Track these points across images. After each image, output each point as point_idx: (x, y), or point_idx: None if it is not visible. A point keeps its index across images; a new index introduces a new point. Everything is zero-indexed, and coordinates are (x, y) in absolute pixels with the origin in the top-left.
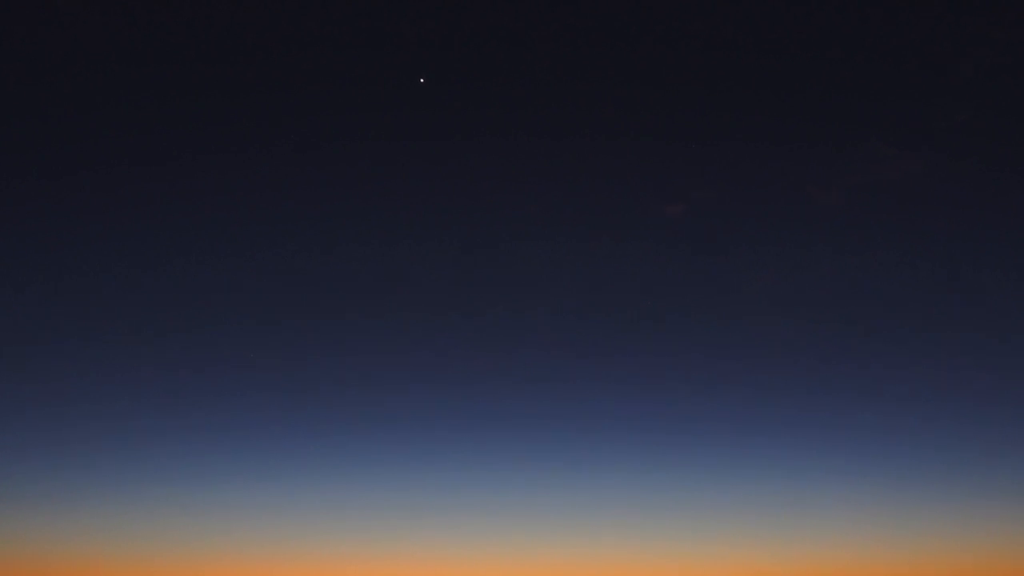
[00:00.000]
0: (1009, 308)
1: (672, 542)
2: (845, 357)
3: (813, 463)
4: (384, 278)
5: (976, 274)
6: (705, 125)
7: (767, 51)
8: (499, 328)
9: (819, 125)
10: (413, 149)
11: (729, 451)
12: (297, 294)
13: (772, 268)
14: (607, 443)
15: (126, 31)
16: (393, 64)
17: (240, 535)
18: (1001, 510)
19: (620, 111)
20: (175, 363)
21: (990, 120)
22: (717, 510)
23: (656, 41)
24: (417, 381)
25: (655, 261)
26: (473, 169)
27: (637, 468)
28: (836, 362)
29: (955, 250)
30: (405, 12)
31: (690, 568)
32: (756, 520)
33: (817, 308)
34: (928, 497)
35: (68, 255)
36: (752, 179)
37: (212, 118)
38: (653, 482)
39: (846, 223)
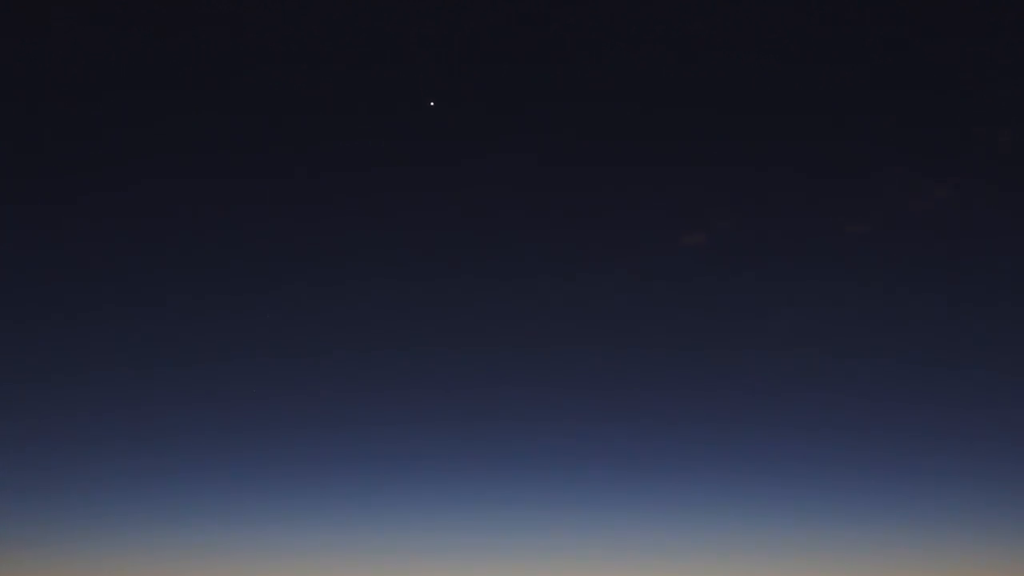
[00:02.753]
0: None
1: None
2: (871, 393)
3: (838, 500)
4: (393, 313)
5: (1013, 308)
6: (726, 151)
7: (791, 75)
8: (511, 364)
9: (846, 151)
10: (422, 176)
11: (749, 487)
12: (301, 329)
13: (795, 301)
14: (621, 480)
15: (142, 58)
16: (402, 87)
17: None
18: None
19: (637, 136)
20: (174, 399)
21: None
22: (738, 544)
23: (677, 65)
24: (427, 419)
25: (673, 293)
26: (484, 197)
27: (652, 504)
28: (861, 397)
29: (990, 283)
30: (416, 34)
31: None
32: (775, 556)
33: (843, 342)
34: (952, 538)
35: (71, 293)
36: (775, 208)
37: (215, 141)
38: (668, 518)
39: (874, 254)
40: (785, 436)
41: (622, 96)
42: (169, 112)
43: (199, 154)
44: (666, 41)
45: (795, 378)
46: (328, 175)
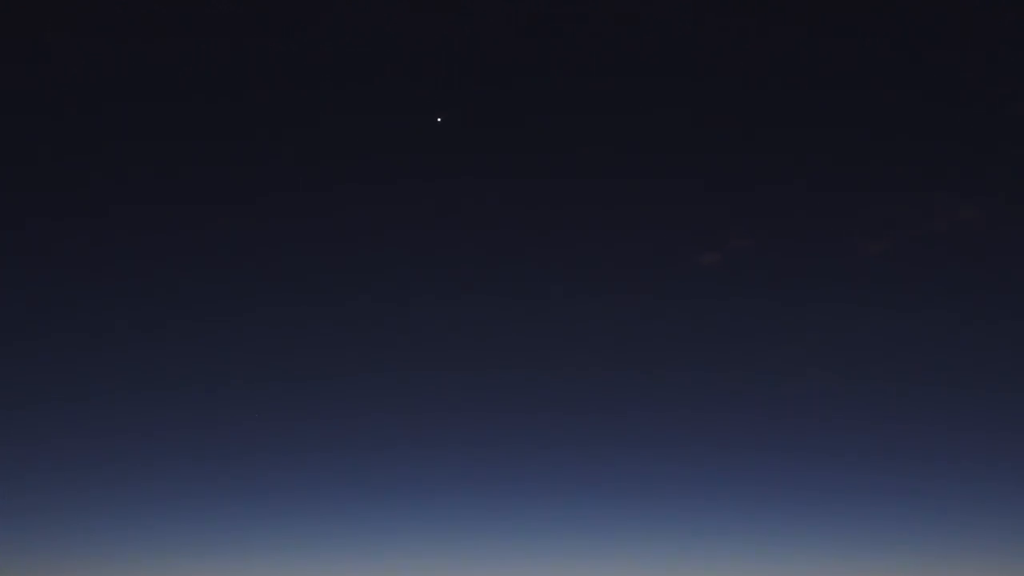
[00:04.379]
0: None
1: None
2: (887, 415)
3: (855, 523)
4: (401, 334)
5: None
6: (742, 169)
7: (809, 94)
8: (523, 384)
9: (865, 170)
10: (429, 193)
11: (760, 508)
12: (308, 352)
13: (811, 321)
14: (631, 500)
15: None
16: (409, 103)
17: None
18: None
19: (652, 154)
20: (176, 422)
21: None
22: (750, 565)
23: (692, 83)
24: (434, 443)
25: (688, 313)
26: (494, 215)
27: (661, 524)
28: (877, 420)
29: (1013, 305)
30: (424, 48)
31: None
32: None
33: (859, 364)
34: (967, 563)
35: (76, 316)
36: (792, 227)
37: (202, 156)
38: (679, 538)
39: (893, 274)
40: (799, 457)
41: (637, 114)
42: (172, 127)
43: (193, 169)
44: (682, 58)
45: (809, 399)
46: (330, 192)
